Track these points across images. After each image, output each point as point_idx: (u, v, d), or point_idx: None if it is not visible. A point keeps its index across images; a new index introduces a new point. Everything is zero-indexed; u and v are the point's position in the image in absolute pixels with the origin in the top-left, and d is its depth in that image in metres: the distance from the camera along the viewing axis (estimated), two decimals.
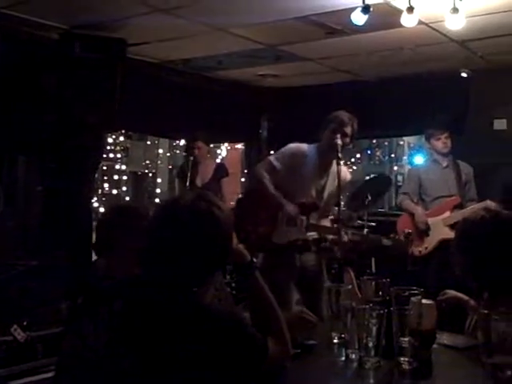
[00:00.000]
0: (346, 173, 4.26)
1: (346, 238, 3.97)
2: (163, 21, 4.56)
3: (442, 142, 5.39)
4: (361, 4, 3.89)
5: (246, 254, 1.99)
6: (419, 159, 6.19)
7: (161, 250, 1.74)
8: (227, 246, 1.82)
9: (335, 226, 4.15)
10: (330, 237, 4.04)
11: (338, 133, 3.91)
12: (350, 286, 2.46)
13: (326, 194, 4.16)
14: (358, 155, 10.13)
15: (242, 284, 2.07)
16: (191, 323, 1.63)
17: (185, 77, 6.28)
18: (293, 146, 4.22)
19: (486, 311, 2.14)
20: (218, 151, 8.94)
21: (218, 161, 8.43)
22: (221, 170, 6.30)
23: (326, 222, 4.26)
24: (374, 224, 5.65)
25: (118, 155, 10.00)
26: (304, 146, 4.17)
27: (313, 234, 4.12)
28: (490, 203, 4.61)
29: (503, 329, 1.98)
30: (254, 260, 2.05)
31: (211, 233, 1.75)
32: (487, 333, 2.05)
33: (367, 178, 9.59)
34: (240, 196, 4.44)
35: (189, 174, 5.98)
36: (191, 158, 6.12)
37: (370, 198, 5.67)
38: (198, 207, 1.76)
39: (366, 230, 5.70)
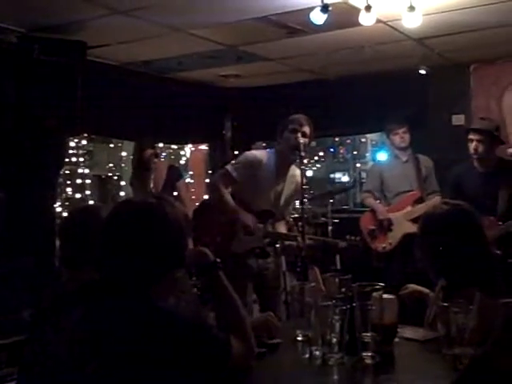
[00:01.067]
0: (299, 176, 4.23)
1: (302, 244, 4.02)
2: (122, 23, 4.52)
3: (400, 137, 5.48)
4: (320, 3, 3.92)
5: (210, 254, 2.01)
6: (382, 156, 6.25)
7: (113, 250, 1.73)
8: (179, 242, 1.78)
9: (300, 224, 4.20)
10: (287, 243, 4.08)
11: (298, 132, 3.95)
12: (313, 284, 2.48)
13: (283, 199, 4.20)
14: (321, 153, 10.21)
15: (207, 285, 2.08)
16: (150, 326, 1.62)
17: (146, 79, 6.24)
18: (249, 154, 4.26)
19: (445, 304, 2.19)
20: (182, 152, 8.89)
21: (182, 162, 8.37)
22: (174, 173, 5.92)
23: (282, 225, 4.30)
24: (337, 221, 5.72)
25: (81, 159, 9.87)
26: (261, 154, 4.20)
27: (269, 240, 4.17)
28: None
29: (462, 320, 2.03)
30: (218, 260, 2.06)
31: (161, 229, 1.72)
32: (447, 325, 2.10)
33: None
34: (197, 207, 4.44)
35: (142, 180, 5.76)
36: (145, 165, 5.80)
37: (333, 195, 5.74)
38: (148, 204, 1.76)
39: (330, 227, 5.78)
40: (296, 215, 5.45)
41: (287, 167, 4.11)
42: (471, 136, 4.67)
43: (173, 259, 1.77)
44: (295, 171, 4.16)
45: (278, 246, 4.25)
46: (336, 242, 4.51)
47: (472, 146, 4.65)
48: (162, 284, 1.74)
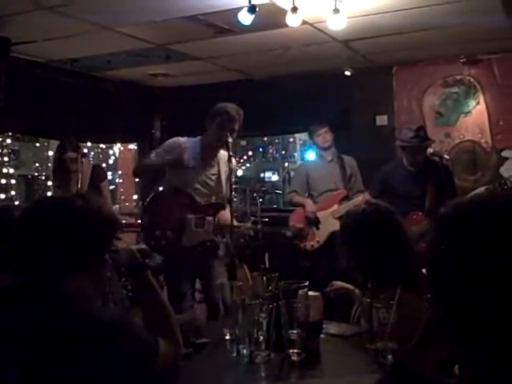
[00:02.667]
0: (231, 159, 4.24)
1: (251, 233, 4.07)
2: (48, 19, 4.41)
3: (322, 137, 5.58)
4: (247, 4, 3.95)
5: (137, 254, 1.99)
6: (311, 155, 6.35)
7: (26, 250, 1.69)
8: (96, 240, 1.74)
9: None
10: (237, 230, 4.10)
11: (227, 129, 3.95)
12: (240, 283, 2.50)
13: (223, 182, 4.19)
14: (251, 153, 10.27)
15: (136, 285, 2.07)
16: (68, 327, 1.58)
17: (73, 77, 6.11)
18: (171, 139, 4.24)
19: (368, 300, 2.25)
20: (110, 152, 8.76)
21: (111, 162, 8.25)
22: (98, 174, 5.87)
23: (226, 213, 4.27)
24: (267, 220, 5.77)
25: (6, 158, 9.58)
26: (183, 139, 4.20)
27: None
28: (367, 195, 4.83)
29: (384, 316, 2.10)
30: (147, 260, 2.05)
31: (75, 226, 1.69)
32: (370, 320, 2.16)
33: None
34: (146, 204, 4.40)
35: (66, 180, 5.61)
36: (66, 165, 5.65)
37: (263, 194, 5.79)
38: (62, 202, 1.75)
39: (259, 225, 5.83)
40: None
41: (213, 154, 4.12)
42: (409, 150, 4.82)
43: (89, 258, 1.73)
44: (225, 154, 4.09)
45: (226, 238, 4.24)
46: (282, 231, 4.58)
47: (409, 157, 4.81)
48: (83, 283, 1.70)
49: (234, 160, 4.20)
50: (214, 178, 4.17)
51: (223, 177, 4.18)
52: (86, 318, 1.62)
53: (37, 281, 1.66)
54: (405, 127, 5.12)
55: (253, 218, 6.21)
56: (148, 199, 4.24)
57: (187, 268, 4.07)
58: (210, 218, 4.07)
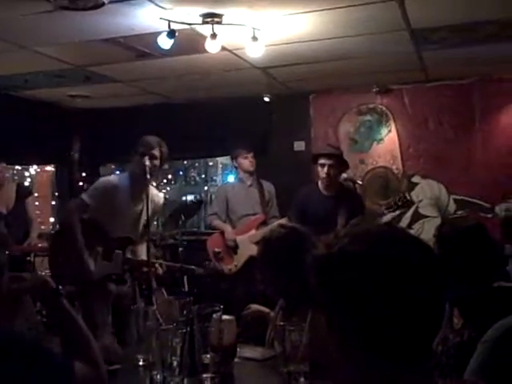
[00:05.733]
0: (159, 196, 4.37)
1: (160, 271, 4.06)
2: None
3: (249, 161, 5.65)
4: (166, 29, 3.98)
5: (50, 281, 1.95)
6: (232, 179, 6.42)
7: None
8: None
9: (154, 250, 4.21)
10: (145, 269, 4.07)
11: (147, 155, 3.99)
12: (154, 307, 2.49)
13: (143, 219, 4.20)
14: (170, 176, 10.23)
15: (47, 313, 2.02)
16: None
17: None
18: (103, 179, 4.31)
19: (281, 323, 2.30)
20: (26, 173, 8.50)
21: (26, 183, 8.01)
22: (23, 190, 5.97)
23: (143, 247, 4.29)
24: (185, 243, 5.76)
25: None
26: (115, 178, 4.28)
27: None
28: (286, 220, 4.88)
29: (296, 338, 2.15)
30: (60, 287, 2.00)
31: None
32: (283, 343, 2.21)
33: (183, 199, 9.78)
34: (55, 230, 4.33)
35: None
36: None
37: (183, 218, 5.79)
38: None
39: (180, 248, 5.81)
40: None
41: (141, 188, 4.11)
42: (323, 161, 4.81)
43: None
44: (153, 191, 4.21)
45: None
46: (193, 268, 4.57)
47: (324, 170, 4.78)
48: None
49: (159, 199, 4.27)
50: (135, 215, 4.18)
51: (143, 218, 4.18)
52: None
53: None
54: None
55: (172, 241, 6.20)
56: (58, 228, 4.19)
57: (97, 297, 4.01)
58: (118, 252, 4.05)
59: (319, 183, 4.93)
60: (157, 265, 4.08)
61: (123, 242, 4.12)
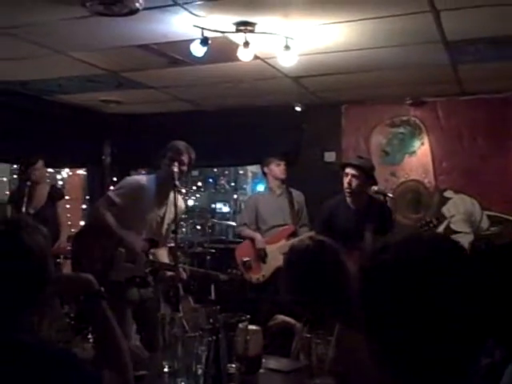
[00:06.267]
0: (181, 201, 4.35)
1: (184, 275, 4.04)
2: None
3: (282, 169, 5.65)
4: (200, 36, 3.99)
5: (95, 282, 1.89)
6: (262, 188, 6.41)
7: None
8: (39, 273, 1.67)
9: (178, 253, 4.19)
10: (169, 273, 4.06)
11: (175, 161, 3.99)
12: (181, 315, 2.48)
13: (165, 224, 4.21)
14: (200, 183, 10.28)
15: (85, 314, 1.98)
16: (11, 364, 1.51)
17: (23, 99, 6.02)
18: (131, 179, 4.26)
19: (308, 335, 2.27)
20: (59, 176, 8.62)
21: (59, 186, 8.12)
22: (55, 193, 6.05)
23: (164, 251, 4.29)
24: (213, 251, 5.75)
25: None
26: (142, 179, 4.24)
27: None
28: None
29: (322, 351, 2.12)
30: (102, 289, 1.97)
31: (16, 260, 1.62)
32: (309, 355, 2.17)
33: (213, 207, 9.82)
34: (78, 231, 4.34)
35: (25, 200, 5.69)
36: (28, 184, 5.83)
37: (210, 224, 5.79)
38: (1, 233, 1.66)
39: (207, 256, 5.82)
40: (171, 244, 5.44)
41: (167, 193, 4.12)
42: (347, 170, 4.76)
43: (35, 287, 1.65)
44: (177, 197, 4.19)
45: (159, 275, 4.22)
46: (217, 274, 4.55)
47: (346, 179, 4.73)
48: (26, 315, 1.65)
49: (181, 204, 4.24)
50: (159, 219, 4.18)
51: (166, 222, 4.20)
52: (33, 355, 1.54)
53: None
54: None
55: (200, 249, 6.20)
56: (80, 228, 4.20)
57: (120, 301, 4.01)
58: (142, 254, 4.04)
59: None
60: (181, 269, 4.06)
61: (148, 245, 4.09)
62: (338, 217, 4.80)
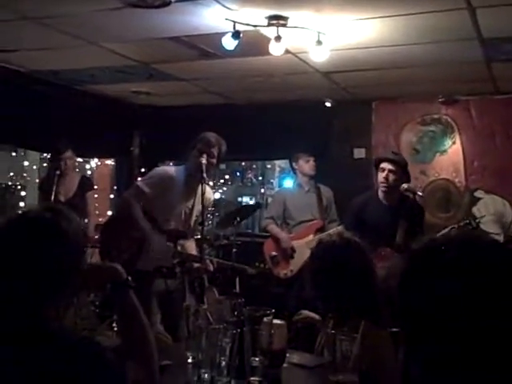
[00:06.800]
0: (210, 193, 4.37)
1: (211, 267, 4.04)
2: (32, 30, 4.40)
3: (311, 165, 5.63)
4: (231, 29, 3.99)
5: (122, 271, 1.88)
6: (289, 183, 6.40)
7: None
8: (74, 261, 1.68)
9: (205, 245, 4.20)
10: (196, 265, 4.06)
11: (204, 153, 3.99)
12: (205, 306, 2.48)
13: (194, 215, 4.22)
14: (227, 176, 10.29)
15: (112, 303, 1.98)
16: (35, 352, 1.50)
17: (54, 88, 6.09)
18: (160, 169, 4.27)
19: (332, 331, 2.26)
20: (87, 166, 8.70)
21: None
22: (86, 184, 6.10)
23: (192, 243, 4.31)
24: (239, 243, 5.75)
25: None
26: (171, 169, 4.25)
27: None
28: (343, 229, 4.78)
29: (346, 348, 2.10)
30: (129, 278, 1.97)
31: (55, 247, 1.62)
32: (333, 352, 2.16)
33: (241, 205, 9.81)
34: (107, 220, 4.37)
35: (54, 188, 5.75)
36: (57, 172, 5.88)
37: (238, 219, 5.80)
38: (42, 219, 1.65)
39: (234, 250, 5.82)
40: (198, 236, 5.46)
41: (196, 184, 4.12)
42: (383, 165, 4.70)
43: (69, 278, 1.66)
44: (206, 188, 4.17)
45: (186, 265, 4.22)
46: (245, 267, 4.56)
47: (383, 174, 4.66)
48: (55, 302, 1.66)
49: (210, 195, 4.24)
50: (187, 210, 4.19)
51: (195, 213, 4.20)
52: (59, 344, 1.54)
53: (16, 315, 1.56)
54: None
55: (226, 242, 6.21)
56: (108, 218, 4.21)
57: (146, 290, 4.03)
58: (170, 244, 4.04)
59: (379, 191, 4.79)
60: (208, 261, 4.06)
61: (175, 235, 4.11)
62: (369, 213, 4.73)
